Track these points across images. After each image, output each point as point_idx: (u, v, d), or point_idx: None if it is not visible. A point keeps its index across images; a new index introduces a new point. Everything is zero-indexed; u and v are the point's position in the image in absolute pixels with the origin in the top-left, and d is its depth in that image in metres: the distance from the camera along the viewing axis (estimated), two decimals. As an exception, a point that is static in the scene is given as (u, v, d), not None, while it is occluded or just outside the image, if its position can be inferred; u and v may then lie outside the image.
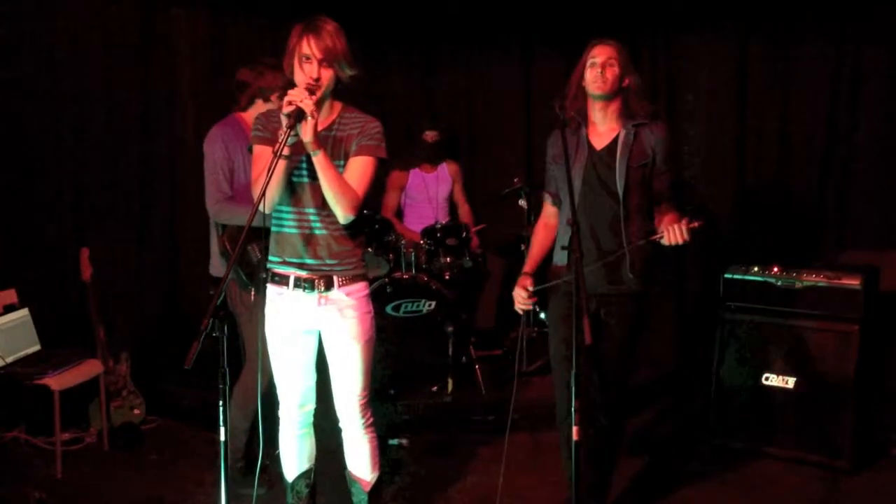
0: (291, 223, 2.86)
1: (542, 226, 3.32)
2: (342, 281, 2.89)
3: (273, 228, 2.92)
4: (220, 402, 2.55)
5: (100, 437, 4.22)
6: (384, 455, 4.07)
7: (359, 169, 2.82)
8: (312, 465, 3.17)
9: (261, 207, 2.71)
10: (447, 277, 4.84)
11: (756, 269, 4.09)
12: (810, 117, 4.97)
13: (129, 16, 4.81)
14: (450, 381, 4.66)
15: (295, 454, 3.13)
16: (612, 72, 3.03)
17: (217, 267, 3.69)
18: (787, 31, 4.99)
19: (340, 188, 2.75)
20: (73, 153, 4.60)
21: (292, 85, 2.73)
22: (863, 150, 4.87)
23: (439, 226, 4.87)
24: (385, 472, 3.69)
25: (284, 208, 2.86)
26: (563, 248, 3.13)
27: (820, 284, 3.90)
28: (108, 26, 4.71)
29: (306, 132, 2.63)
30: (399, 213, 5.42)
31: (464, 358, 4.77)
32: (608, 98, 3.07)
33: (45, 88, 4.45)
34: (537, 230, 3.33)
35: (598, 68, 3.03)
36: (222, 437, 2.55)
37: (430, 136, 5.34)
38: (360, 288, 2.95)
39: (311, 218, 2.84)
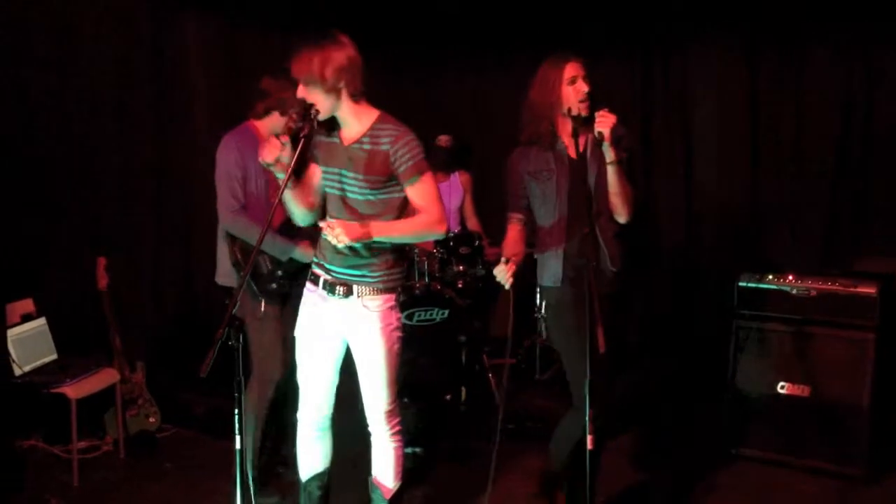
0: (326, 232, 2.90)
1: (513, 238, 3.18)
2: (364, 291, 2.92)
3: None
4: (236, 411, 2.57)
5: (116, 446, 4.24)
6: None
7: (422, 191, 2.86)
8: (327, 469, 3.20)
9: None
10: (460, 286, 4.84)
11: (770, 276, 4.07)
12: (824, 124, 4.96)
13: (141, 23, 4.85)
14: (463, 390, 4.66)
15: (308, 455, 3.17)
16: (589, 88, 3.04)
17: (224, 276, 3.71)
18: (798, 38, 4.99)
19: (422, 230, 2.90)
20: (88, 163, 4.64)
21: (305, 104, 2.80)
22: (877, 157, 4.86)
23: (452, 235, 4.87)
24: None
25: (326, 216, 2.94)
26: (581, 253, 3.07)
27: (835, 292, 3.88)
28: (121, 35, 4.75)
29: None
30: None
31: (477, 366, 4.77)
32: (588, 116, 3.04)
33: (59, 98, 4.48)
34: (508, 244, 3.16)
35: (582, 87, 3.03)
36: (237, 446, 2.57)
37: (443, 140, 5.31)
38: (385, 300, 2.95)
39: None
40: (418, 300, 4.60)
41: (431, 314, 4.63)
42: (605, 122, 2.90)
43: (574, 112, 3.04)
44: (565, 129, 3.13)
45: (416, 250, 4.86)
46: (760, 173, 5.21)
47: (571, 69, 3.06)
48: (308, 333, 3.03)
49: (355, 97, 2.86)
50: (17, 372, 3.98)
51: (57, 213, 4.49)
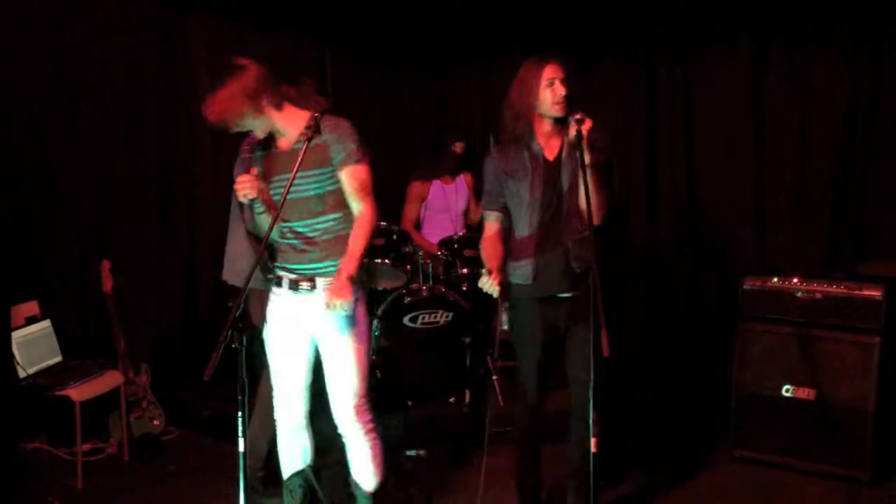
0: (287, 234, 3.01)
1: (491, 238, 3.24)
2: (329, 282, 2.97)
3: (274, 238, 3.06)
4: (240, 413, 2.57)
5: (120, 448, 4.24)
6: (401, 466, 4.09)
7: (357, 176, 2.96)
8: (308, 465, 3.24)
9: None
10: (464, 289, 4.84)
11: (775, 279, 4.06)
12: (828, 127, 4.95)
13: (149, 28, 4.86)
14: (467, 393, 4.65)
15: (288, 454, 3.21)
16: (567, 91, 3.06)
17: (234, 275, 3.71)
18: (803, 42, 4.98)
19: (369, 233, 2.94)
20: (93, 165, 4.64)
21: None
22: (882, 160, 4.84)
23: (456, 237, 4.87)
24: (400, 483, 3.70)
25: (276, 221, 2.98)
26: (552, 254, 3.12)
27: (840, 295, 3.87)
28: (129, 38, 4.76)
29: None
30: (417, 225, 5.43)
31: (481, 369, 4.77)
32: (564, 117, 3.07)
33: (66, 102, 4.49)
34: (487, 243, 3.23)
35: (560, 90, 3.05)
36: (241, 448, 2.57)
37: (458, 147, 5.36)
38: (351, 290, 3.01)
39: (300, 229, 2.98)
40: (423, 303, 4.61)
41: (436, 317, 4.63)
42: (581, 126, 2.92)
43: (549, 114, 3.08)
44: (542, 129, 3.16)
45: (421, 252, 4.86)
46: (764, 175, 5.20)
47: (550, 71, 3.07)
48: (278, 334, 3.08)
49: (279, 106, 2.94)
50: (22, 374, 3.99)
51: (62, 215, 4.49)
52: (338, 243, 2.99)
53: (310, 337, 3.09)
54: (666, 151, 5.49)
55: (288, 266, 3.04)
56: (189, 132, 5.14)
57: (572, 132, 2.92)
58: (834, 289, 3.90)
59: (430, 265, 4.82)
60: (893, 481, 3.82)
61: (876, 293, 3.80)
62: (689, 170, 5.41)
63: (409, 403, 4.64)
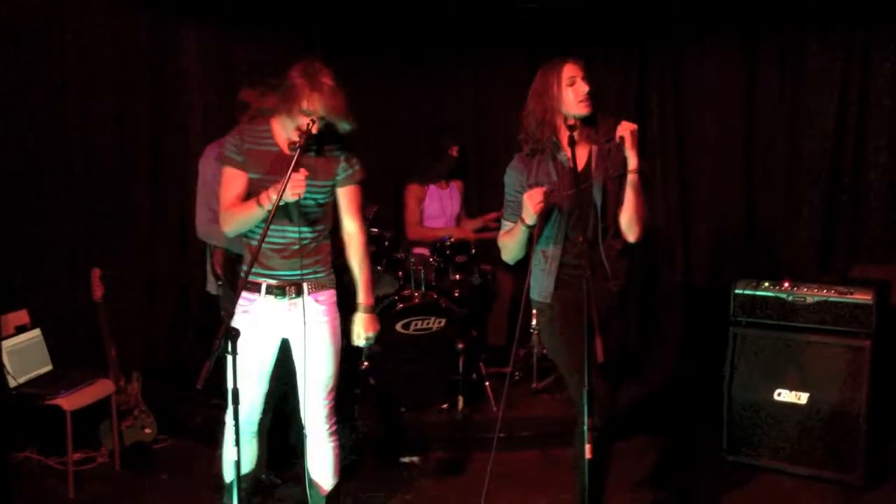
0: (275, 239, 3.00)
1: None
2: (314, 287, 3.05)
3: (251, 242, 3.06)
4: (232, 423, 2.56)
5: (111, 457, 4.22)
6: (393, 472, 4.08)
7: (354, 199, 3.15)
8: (252, 470, 3.29)
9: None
10: (456, 294, 4.84)
11: (766, 284, 4.07)
12: (820, 130, 4.97)
13: (139, 38, 4.85)
14: (460, 399, 4.65)
15: (236, 458, 3.17)
16: (589, 89, 2.99)
17: (212, 284, 3.74)
18: (795, 44, 5.00)
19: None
20: (84, 174, 4.63)
21: (306, 113, 2.97)
22: (873, 164, 4.87)
23: (448, 243, 4.87)
24: (394, 491, 3.69)
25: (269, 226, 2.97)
26: (574, 266, 3.05)
27: (831, 299, 3.89)
28: (120, 48, 4.75)
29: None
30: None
31: (474, 375, 4.76)
32: (591, 117, 3.02)
33: (57, 110, 4.47)
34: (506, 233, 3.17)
35: (582, 87, 2.98)
36: (234, 457, 2.56)
37: (454, 150, 5.37)
38: (331, 294, 3.10)
39: (291, 235, 3.01)
40: (415, 309, 4.60)
41: (428, 323, 4.63)
42: (625, 128, 2.90)
43: (573, 113, 2.99)
44: (566, 136, 3.01)
45: (413, 259, 4.86)
46: (756, 179, 5.21)
47: (570, 70, 3.00)
48: (250, 343, 3.03)
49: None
50: (12, 384, 3.96)
51: (52, 224, 4.47)
52: (319, 252, 3.08)
53: (277, 344, 3.11)
54: (657, 155, 5.50)
55: (266, 272, 3.03)
56: (180, 141, 5.13)
57: (617, 133, 2.90)
58: (824, 293, 3.91)
59: (423, 271, 4.81)
60: (886, 485, 3.83)
61: (866, 297, 3.81)
62: (681, 174, 5.42)
63: (402, 410, 4.63)
